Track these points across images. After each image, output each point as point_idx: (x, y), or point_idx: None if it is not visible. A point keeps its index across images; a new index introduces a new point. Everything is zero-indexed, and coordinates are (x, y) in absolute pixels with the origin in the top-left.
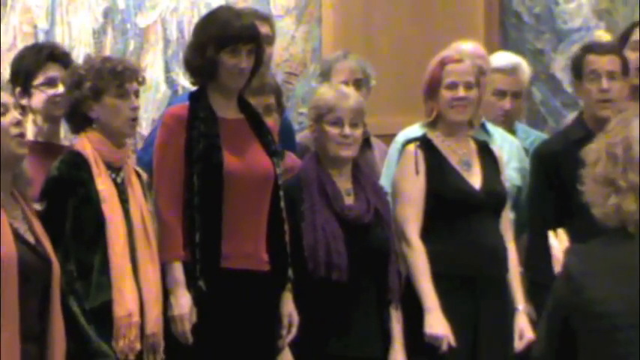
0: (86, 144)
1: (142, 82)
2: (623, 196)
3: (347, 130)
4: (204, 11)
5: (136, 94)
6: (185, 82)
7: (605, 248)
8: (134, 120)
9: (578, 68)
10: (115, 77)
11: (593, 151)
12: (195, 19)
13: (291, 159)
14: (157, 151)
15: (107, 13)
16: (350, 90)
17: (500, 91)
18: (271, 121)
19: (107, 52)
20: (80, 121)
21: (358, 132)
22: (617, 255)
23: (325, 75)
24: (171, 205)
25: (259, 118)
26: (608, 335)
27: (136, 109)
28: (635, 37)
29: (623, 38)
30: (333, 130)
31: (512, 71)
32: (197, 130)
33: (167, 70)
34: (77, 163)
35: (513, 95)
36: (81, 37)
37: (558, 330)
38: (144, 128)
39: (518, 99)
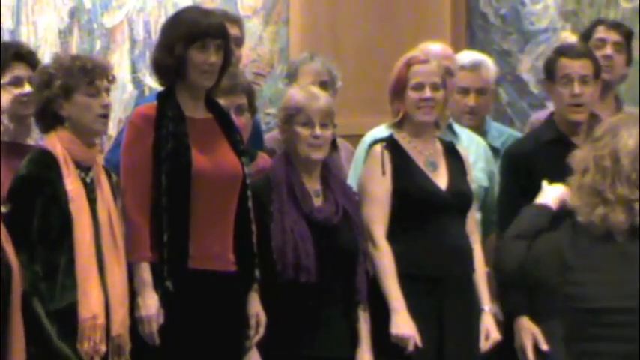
0: (56, 143)
1: (112, 80)
2: (611, 207)
3: (317, 131)
4: (171, 11)
5: (107, 91)
6: (151, 82)
7: (592, 239)
8: (105, 117)
9: (550, 71)
10: (86, 75)
11: (580, 159)
12: (162, 19)
13: (263, 160)
14: (125, 150)
15: (73, 13)
16: (320, 91)
17: (463, 88)
18: (243, 121)
19: (73, 52)
20: (50, 120)
21: (328, 133)
22: (602, 247)
23: (291, 77)
24: (139, 205)
25: (227, 118)
26: (588, 316)
27: (107, 106)
28: (597, 35)
29: (585, 37)
30: (304, 132)
31: (474, 68)
32: (165, 130)
33: (134, 70)
34: (46, 162)
35: (477, 92)
36: (47, 36)
37: (529, 274)
38: (110, 128)
39: (483, 95)
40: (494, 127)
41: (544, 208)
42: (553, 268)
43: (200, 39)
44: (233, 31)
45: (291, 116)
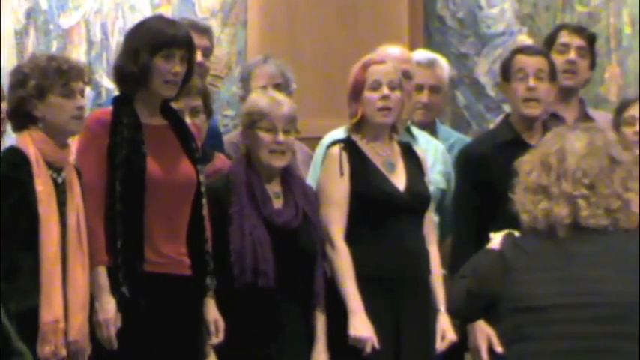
0: (29, 142)
1: (88, 82)
2: (554, 202)
3: (280, 137)
4: (128, 13)
5: (82, 93)
6: (109, 84)
7: (535, 239)
8: (79, 119)
9: (506, 69)
10: (61, 76)
11: (526, 162)
12: (120, 21)
13: (220, 161)
14: (79, 154)
15: (30, 14)
16: (283, 97)
17: (418, 85)
18: (198, 123)
19: (29, 54)
20: (23, 120)
21: (291, 139)
22: (544, 246)
23: (245, 80)
24: (94, 209)
25: (183, 125)
26: (524, 315)
27: (81, 108)
28: (560, 40)
29: (549, 42)
30: (266, 137)
31: (428, 65)
32: (120, 136)
33: (91, 71)
34: (17, 161)
35: (431, 89)
36: (3, 38)
37: (478, 296)
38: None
39: (437, 94)
40: (443, 129)
41: (493, 249)
42: (495, 274)
43: (166, 48)
44: (202, 41)
45: (254, 121)
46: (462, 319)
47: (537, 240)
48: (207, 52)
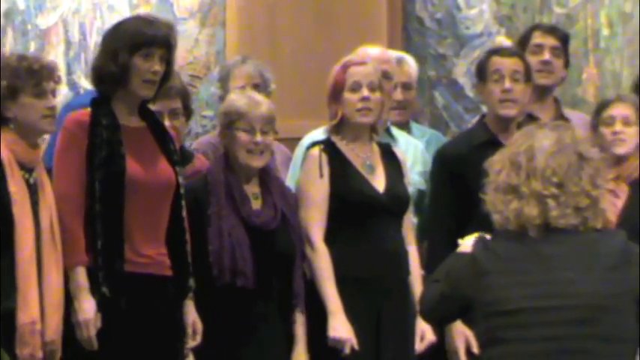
0: (1, 143)
1: (58, 81)
2: (525, 201)
3: (258, 137)
4: (106, 13)
5: (53, 93)
6: (87, 84)
7: (506, 242)
8: (51, 118)
9: (482, 70)
10: (32, 76)
11: (496, 161)
12: (98, 21)
13: (200, 161)
14: (58, 156)
15: (7, 14)
16: (261, 97)
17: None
18: (177, 125)
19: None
20: None
21: (269, 139)
22: (516, 248)
23: (224, 80)
24: (73, 210)
25: (162, 127)
26: (498, 318)
27: (52, 108)
28: (534, 40)
29: (522, 43)
30: (244, 137)
31: (398, 63)
32: (99, 138)
33: (69, 72)
34: None
35: (403, 86)
36: None
37: (451, 299)
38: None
39: (409, 91)
40: (416, 127)
41: (465, 253)
42: (468, 278)
43: (145, 47)
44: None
45: (232, 122)
46: (434, 323)
47: (509, 242)
48: None
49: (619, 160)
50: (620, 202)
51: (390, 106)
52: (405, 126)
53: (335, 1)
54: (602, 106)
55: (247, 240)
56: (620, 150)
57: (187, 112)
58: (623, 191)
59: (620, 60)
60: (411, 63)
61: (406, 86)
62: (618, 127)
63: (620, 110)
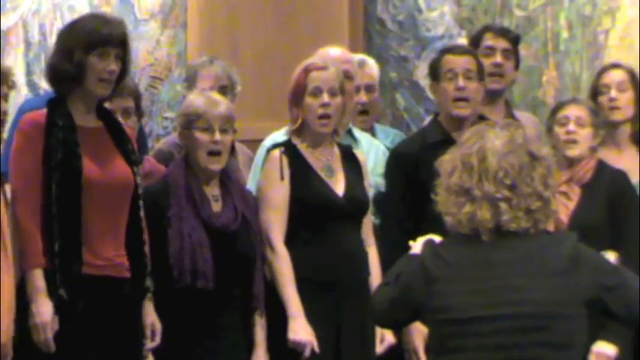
0: None
1: (12, 86)
2: (477, 204)
3: (217, 136)
4: (66, 13)
5: (6, 98)
6: (47, 86)
7: (456, 247)
8: (2, 124)
9: (435, 69)
10: None
11: (447, 161)
12: (58, 22)
13: (149, 163)
14: (14, 157)
15: None
16: (220, 97)
17: (355, 86)
18: (129, 125)
19: None
20: None
21: (228, 139)
22: (466, 254)
23: (190, 81)
24: (30, 212)
25: (119, 126)
26: (449, 327)
27: (4, 113)
28: (485, 42)
29: (474, 44)
30: (203, 137)
31: (359, 65)
32: (55, 139)
33: (29, 72)
34: None
35: (366, 89)
36: None
37: (402, 304)
38: (5, 132)
39: (372, 93)
40: (380, 128)
41: (416, 256)
42: (418, 285)
43: (101, 46)
44: None
45: (191, 121)
46: (386, 327)
47: (458, 247)
48: None
49: (571, 162)
50: (572, 204)
51: (352, 108)
52: (368, 129)
53: (296, 3)
54: (558, 107)
55: (208, 242)
56: (573, 152)
57: (139, 112)
58: (575, 193)
59: (579, 62)
60: (372, 65)
61: (369, 88)
62: (571, 127)
63: (574, 111)
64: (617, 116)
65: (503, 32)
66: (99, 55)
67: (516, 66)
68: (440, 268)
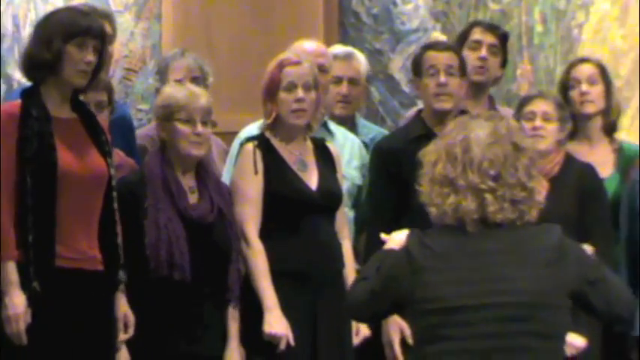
0: None
1: None
2: (462, 195)
3: (199, 128)
4: (40, 5)
5: None
6: (20, 77)
7: (442, 237)
8: None
9: (417, 65)
10: None
11: (431, 152)
12: (32, 14)
13: (119, 156)
14: None
15: None
16: (199, 89)
17: (337, 78)
18: (103, 118)
19: None
20: None
21: (208, 130)
22: (452, 244)
23: (162, 73)
24: (4, 204)
25: (93, 119)
26: (436, 316)
27: None
28: (473, 36)
29: (461, 38)
30: (185, 129)
31: (346, 57)
32: (30, 130)
33: (2, 64)
34: None
35: (349, 81)
36: None
37: (383, 296)
38: None
39: (356, 86)
40: (363, 123)
41: (393, 250)
42: (404, 275)
43: (80, 36)
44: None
45: (172, 113)
46: (363, 321)
47: (444, 237)
48: (110, 39)
49: (539, 156)
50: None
51: (326, 100)
52: (349, 120)
53: None
54: (524, 101)
55: (184, 233)
56: (540, 146)
57: (111, 106)
58: (544, 187)
59: (553, 56)
60: (360, 59)
61: (353, 81)
62: (538, 122)
63: (540, 106)
64: (590, 109)
65: (491, 28)
66: (77, 45)
67: (503, 64)
68: (427, 258)
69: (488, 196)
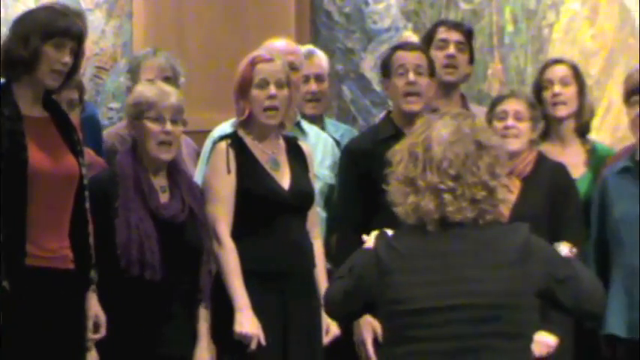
0: None
1: None
2: (421, 195)
3: (168, 126)
4: (10, 2)
5: None
6: None
7: (408, 239)
8: None
9: (386, 66)
10: None
11: (397, 151)
12: (1, 11)
13: (89, 156)
14: None
15: None
16: (170, 87)
17: (304, 76)
18: (74, 117)
19: None
20: None
21: (179, 129)
22: (418, 245)
23: (134, 72)
24: None
25: (65, 117)
26: (403, 318)
27: None
28: (439, 36)
29: (428, 38)
30: (154, 127)
31: (307, 56)
32: (1, 128)
33: None
34: None
35: (316, 78)
36: None
37: (355, 296)
38: None
39: (322, 82)
40: (330, 122)
41: (369, 249)
42: (372, 277)
43: (58, 36)
44: None
45: (142, 112)
46: (340, 319)
47: (410, 238)
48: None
49: (511, 155)
50: (512, 197)
51: (298, 99)
52: (319, 119)
53: None
54: (496, 101)
55: (155, 233)
56: (512, 145)
57: (81, 104)
58: (516, 186)
59: (524, 56)
60: (320, 55)
61: (319, 78)
62: (510, 121)
63: (512, 105)
64: (562, 111)
65: (456, 25)
66: (55, 45)
67: (471, 60)
68: (394, 260)
69: (447, 196)
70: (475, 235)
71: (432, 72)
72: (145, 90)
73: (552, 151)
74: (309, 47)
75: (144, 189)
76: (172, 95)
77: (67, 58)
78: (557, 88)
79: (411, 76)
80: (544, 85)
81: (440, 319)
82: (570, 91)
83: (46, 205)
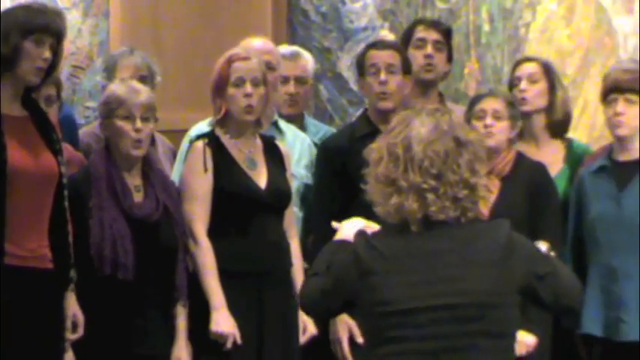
0: None
1: None
2: (404, 195)
3: (138, 124)
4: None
5: None
6: None
7: (389, 239)
8: None
9: (360, 65)
10: None
11: (375, 150)
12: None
13: (68, 151)
14: None
15: None
16: (141, 85)
17: (284, 77)
18: (52, 114)
19: None
20: None
21: (149, 127)
22: (400, 245)
23: (110, 70)
24: None
25: (44, 116)
26: (387, 319)
27: None
28: (417, 35)
29: (406, 37)
30: (125, 125)
31: (292, 57)
32: None
33: None
34: None
35: (296, 80)
36: None
37: (334, 295)
38: None
39: (303, 85)
40: (312, 122)
41: (344, 243)
42: (352, 278)
43: (38, 32)
44: None
45: (112, 110)
46: (317, 318)
47: (392, 239)
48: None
49: (490, 154)
50: (492, 197)
51: (275, 99)
52: (297, 119)
53: None
54: (475, 100)
55: (129, 232)
56: (490, 144)
57: (60, 101)
58: (495, 186)
59: (500, 55)
60: (306, 57)
61: (300, 80)
62: (489, 120)
63: (491, 104)
64: (526, 107)
65: (434, 24)
66: (35, 41)
67: (449, 59)
68: (375, 260)
69: (430, 196)
70: (457, 233)
71: (406, 70)
72: (115, 88)
73: (527, 149)
74: (296, 49)
75: (117, 188)
76: (143, 93)
77: (47, 54)
78: (522, 85)
79: (383, 76)
80: (514, 82)
81: (424, 319)
82: (538, 88)
83: (25, 204)
